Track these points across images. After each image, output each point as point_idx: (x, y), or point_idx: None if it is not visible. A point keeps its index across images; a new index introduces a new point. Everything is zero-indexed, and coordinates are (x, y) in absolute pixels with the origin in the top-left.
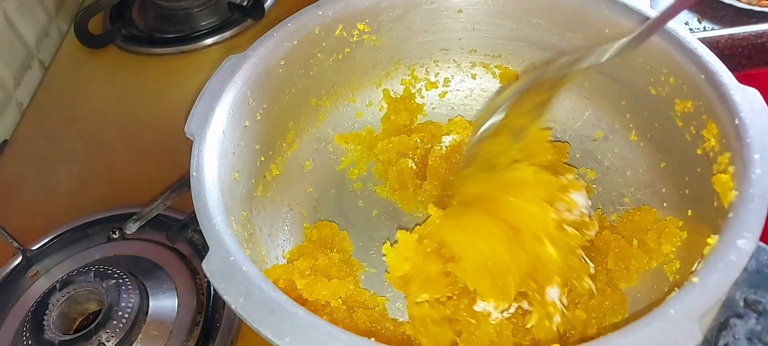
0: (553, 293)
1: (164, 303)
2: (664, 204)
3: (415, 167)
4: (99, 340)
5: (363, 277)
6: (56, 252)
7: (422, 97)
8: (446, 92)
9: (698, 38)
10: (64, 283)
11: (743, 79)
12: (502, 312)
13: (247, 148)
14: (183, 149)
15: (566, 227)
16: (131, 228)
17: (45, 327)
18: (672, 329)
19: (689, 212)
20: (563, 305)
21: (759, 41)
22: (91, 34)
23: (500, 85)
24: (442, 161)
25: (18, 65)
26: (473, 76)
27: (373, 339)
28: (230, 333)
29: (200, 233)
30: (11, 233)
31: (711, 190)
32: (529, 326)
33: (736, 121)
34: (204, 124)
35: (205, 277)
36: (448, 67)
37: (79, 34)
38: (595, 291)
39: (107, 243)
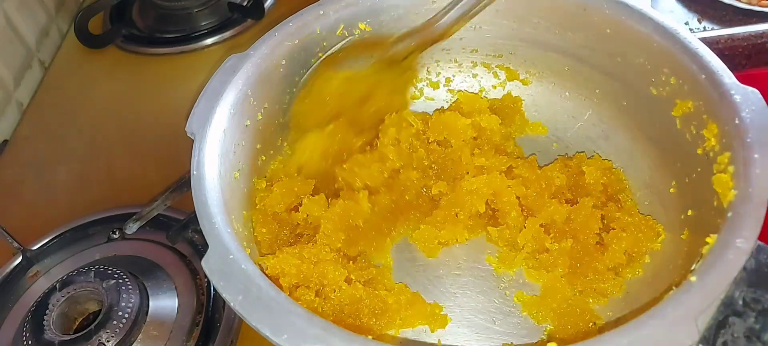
0: None
1: (164, 303)
2: (664, 203)
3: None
4: (99, 340)
5: None
6: (56, 252)
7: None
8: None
9: (698, 38)
10: (64, 283)
11: (743, 79)
12: None
13: (247, 147)
14: (183, 149)
15: None
16: (131, 228)
17: (45, 327)
18: (670, 327)
19: (689, 212)
20: None
21: (759, 41)
22: (91, 34)
23: (500, 86)
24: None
25: (18, 65)
26: (474, 76)
27: (371, 337)
28: (230, 333)
29: (200, 232)
30: (11, 233)
31: (711, 189)
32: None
33: (737, 121)
34: (205, 124)
35: (205, 277)
36: (450, 67)
37: (79, 34)
38: None
39: (107, 243)
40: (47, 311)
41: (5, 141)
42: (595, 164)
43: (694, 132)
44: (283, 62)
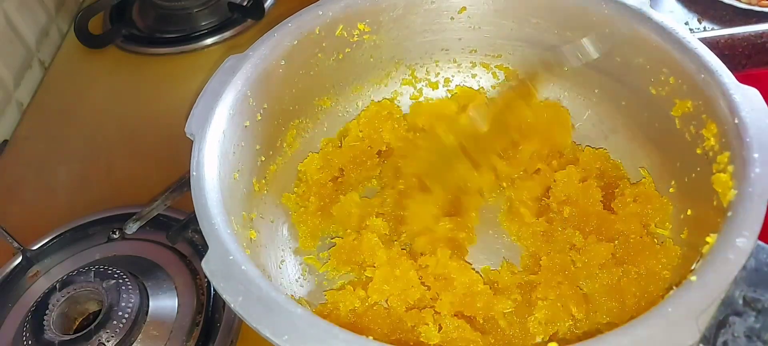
0: None
1: (164, 303)
2: None
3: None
4: (99, 340)
5: None
6: (56, 252)
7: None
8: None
9: (698, 38)
10: (64, 283)
11: (743, 79)
12: None
13: (247, 148)
14: (183, 149)
15: None
16: (131, 228)
17: (45, 327)
18: (670, 327)
19: (689, 211)
20: None
21: (759, 41)
22: (91, 34)
23: (499, 86)
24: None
25: (18, 65)
26: (473, 76)
27: (371, 338)
28: (230, 333)
29: (200, 233)
30: (11, 233)
31: (710, 189)
32: None
33: (736, 121)
34: (204, 124)
35: (205, 277)
36: (449, 67)
37: (79, 34)
38: None
39: (107, 243)
40: (47, 311)
41: (5, 141)
42: (591, 152)
43: (694, 132)
44: (283, 63)
